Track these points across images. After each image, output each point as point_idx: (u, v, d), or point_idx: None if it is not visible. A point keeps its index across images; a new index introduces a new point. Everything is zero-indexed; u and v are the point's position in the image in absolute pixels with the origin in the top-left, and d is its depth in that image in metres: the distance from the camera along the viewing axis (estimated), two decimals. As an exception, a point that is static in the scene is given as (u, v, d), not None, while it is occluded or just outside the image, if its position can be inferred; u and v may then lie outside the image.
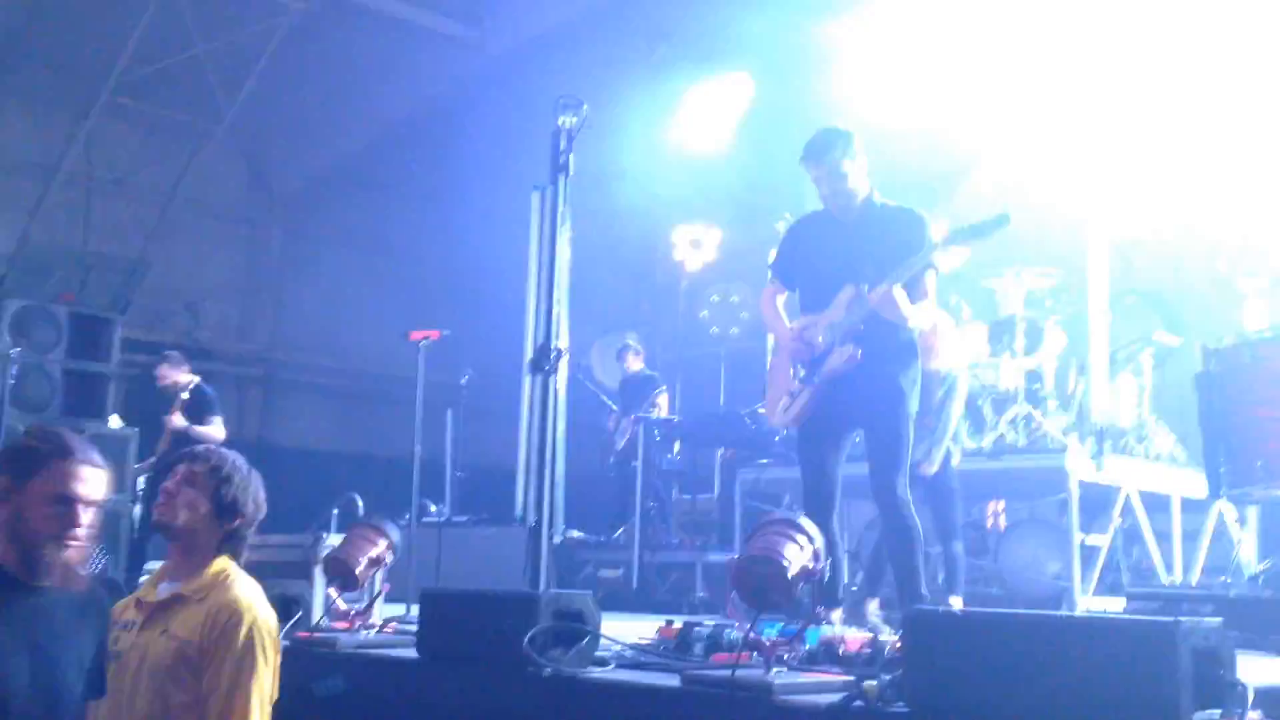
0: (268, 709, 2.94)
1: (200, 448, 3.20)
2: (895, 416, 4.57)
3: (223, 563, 3.04)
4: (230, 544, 3.05)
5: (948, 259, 6.56)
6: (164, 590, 3.03)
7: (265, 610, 3.01)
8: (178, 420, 8.36)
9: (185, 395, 8.50)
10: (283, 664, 3.07)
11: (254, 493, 3.09)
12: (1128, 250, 8.28)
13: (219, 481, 3.04)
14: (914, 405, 4.68)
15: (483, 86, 12.71)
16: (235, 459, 3.14)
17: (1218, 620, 2.85)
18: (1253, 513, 6.78)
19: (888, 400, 4.58)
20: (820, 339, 4.66)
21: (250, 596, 2.99)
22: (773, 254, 5.23)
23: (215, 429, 8.48)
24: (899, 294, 4.44)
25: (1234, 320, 7.05)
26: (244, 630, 2.90)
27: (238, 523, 3.05)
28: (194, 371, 8.89)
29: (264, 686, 2.91)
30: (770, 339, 8.28)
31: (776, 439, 7.87)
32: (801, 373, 4.72)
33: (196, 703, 2.86)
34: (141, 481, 9.08)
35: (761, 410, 8.66)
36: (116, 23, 11.60)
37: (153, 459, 8.74)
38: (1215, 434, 5.86)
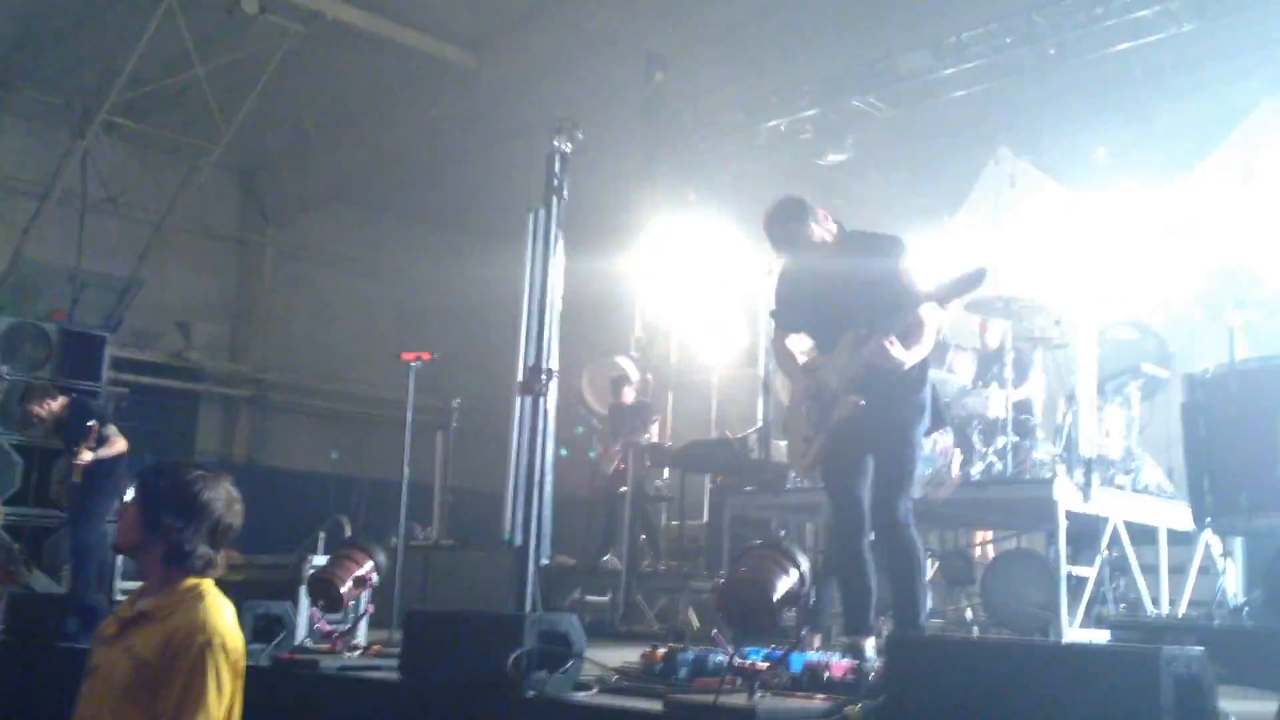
0: None
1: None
2: (901, 443, 4.72)
3: (194, 581, 2.98)
4: (174, 558, 2.97)
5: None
6: (137, 607, 3.02)
7: (226, 633, 2.92)
8: (86, 455, 7.89)
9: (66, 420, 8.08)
10: (267, 685, 3.04)
11: (182, 504, 2.98)
12: (1117, 281, 8.30)
13: (142, 495, 3.02)
14: (920, 430, 4.79)
15: (479, 110, 12.77)
16: (170, 471, 3.07)
17: (1200, 649, 2.86)
18: (1238, 544, 6.76)
19: (895, 430, 4.71)
20: (832, 381, 4.75)
21: (214, 618, 2.92)
22: (771, 299, 5.25)
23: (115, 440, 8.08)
24: (893, 345, 4.55)
25: (1223, 353, 7.05)
26: (196, 652, 2.84)
27: (167, 534, 2.96)
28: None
29: (211, 711, 2.82)
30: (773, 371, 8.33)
31: (797, 478, 7.51)
32: (813, 418, 4.80)
33: None
34: None
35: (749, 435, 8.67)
36: (115, 43, 11.63)
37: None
38: (1200, 465, 5.86)
